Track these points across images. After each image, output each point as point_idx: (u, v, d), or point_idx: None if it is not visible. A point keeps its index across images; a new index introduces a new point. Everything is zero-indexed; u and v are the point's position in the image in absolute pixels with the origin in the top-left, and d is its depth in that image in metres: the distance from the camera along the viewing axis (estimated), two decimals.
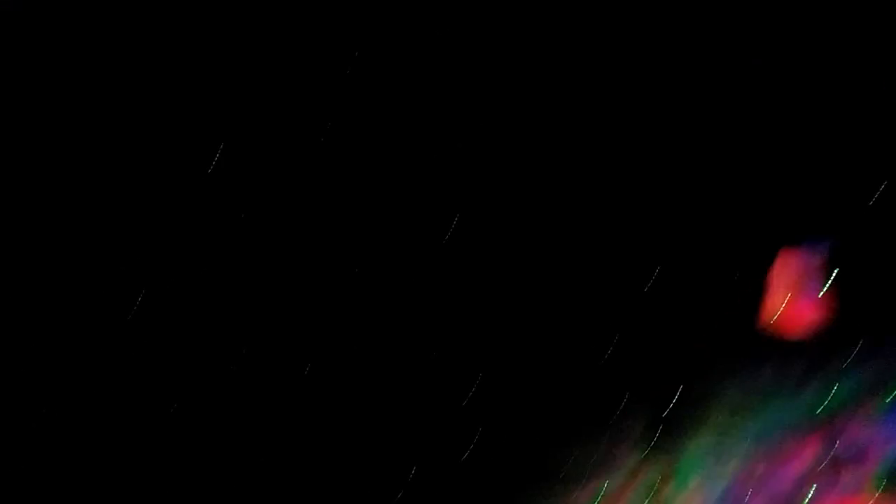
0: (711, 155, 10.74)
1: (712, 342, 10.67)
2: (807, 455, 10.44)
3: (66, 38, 9.91)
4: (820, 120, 10.76)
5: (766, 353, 10.68)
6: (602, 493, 10.26)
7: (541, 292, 10.62)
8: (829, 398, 10.58)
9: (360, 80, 10.43)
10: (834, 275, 10.43)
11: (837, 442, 10.48)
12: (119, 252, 9.64)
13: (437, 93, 10.50)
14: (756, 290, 10.75)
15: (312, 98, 10.38)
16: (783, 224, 10.69)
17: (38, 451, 8.68)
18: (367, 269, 10.21)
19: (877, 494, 10.24)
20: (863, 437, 10.52)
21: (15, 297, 9.27)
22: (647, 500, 10.28)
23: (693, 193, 10.71)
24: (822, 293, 10.50)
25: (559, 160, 10.74)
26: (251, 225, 9.95)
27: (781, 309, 10.55)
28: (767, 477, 10.44)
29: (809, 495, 10.26)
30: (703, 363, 10.66)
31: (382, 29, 10.52)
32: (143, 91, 10.05)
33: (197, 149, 10.00)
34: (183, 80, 10.11)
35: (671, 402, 10.60)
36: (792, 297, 10.55)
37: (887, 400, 10.61)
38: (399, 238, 10.35)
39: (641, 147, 10.83)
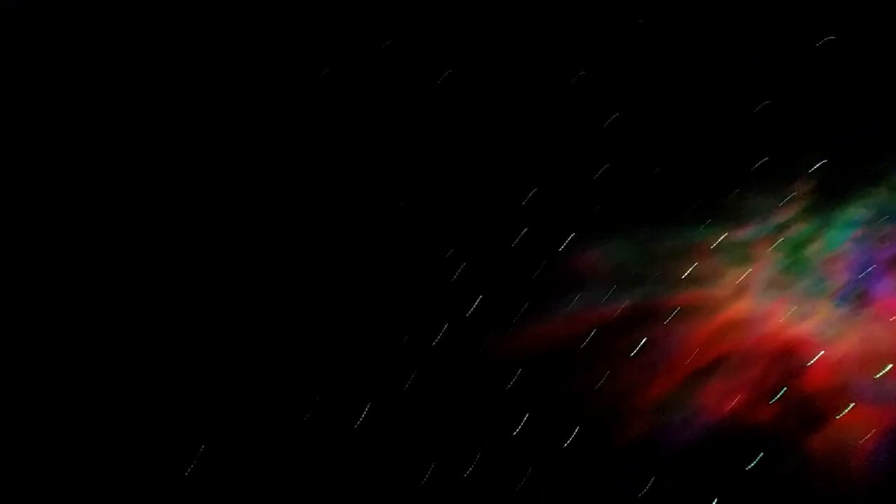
0: None
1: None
2: None
3: (66, 38, 9.89)
4: None
5: None
6: (743, 241, 10.26)
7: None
8: None
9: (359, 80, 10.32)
10: None
11: None
12: (119, 252, 9.57)
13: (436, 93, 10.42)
14: None
15: (310, 98, 10.23)
16: None
17: (38, 451, 8.71)
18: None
19: None
20: None
21: (16, 297, 9.28)
22: (790, 254, 10.21)
23: None
24: None
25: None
26: (251, 226, 9.87)
27: None
28: None
29: None
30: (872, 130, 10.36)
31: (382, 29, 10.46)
32: (144, 91, 10.01)
33: (197, 149, 9.96)
34: (184, 81, 10.03)
35: (822, 165, 10.39)
36: None
37: None
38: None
39: None
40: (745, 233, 10.42)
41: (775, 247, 10.32)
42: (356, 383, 9.43)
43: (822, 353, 9.64)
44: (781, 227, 10.44)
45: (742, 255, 10.37)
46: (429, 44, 10.38)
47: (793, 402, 9.37)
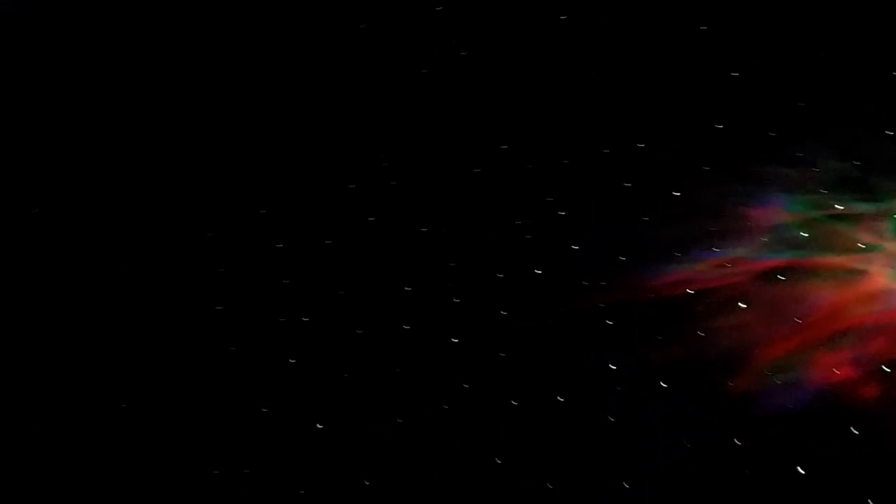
0: None
1: None
2: None
3: (66, 38, 9.83)
4: None
5: None
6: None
7: None
8: None
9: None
10: None
11: None
12: (120, 252, 9.61)
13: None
14: None
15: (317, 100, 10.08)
16: None
17: (38, 451, 8.72)
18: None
19: None
20: None
21: (16, 297, 9.34)
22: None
23: None
24: None
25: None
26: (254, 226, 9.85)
27: None
28: None
29: None
30: None
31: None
32: (144, 91, 9.94)
33: (198, 150, 9.91)
34: (185, 81, 9.94)
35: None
36: None
37: None
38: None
39: None
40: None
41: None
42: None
43: None
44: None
45: None
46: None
47: None
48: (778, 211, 10.29)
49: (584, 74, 10.27)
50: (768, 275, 9.94)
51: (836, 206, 10.23)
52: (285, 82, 9.82)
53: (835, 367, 9.30)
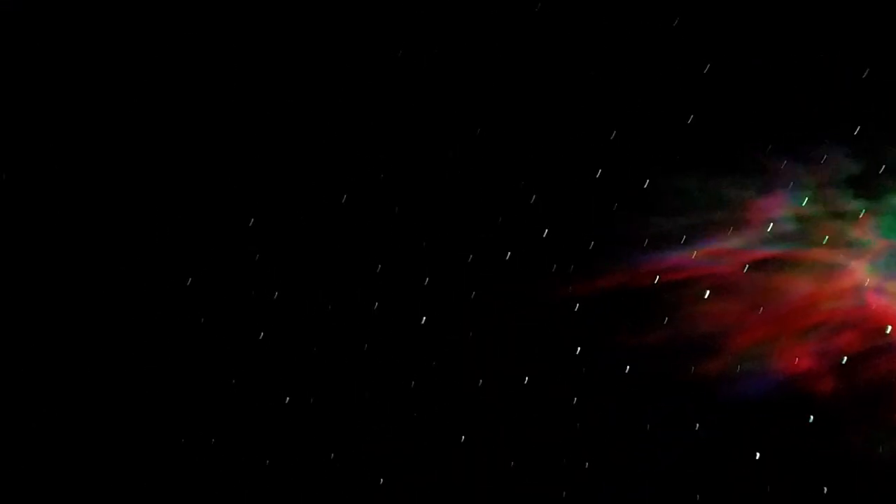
0: None
1: None
2: None
3: (66, 38, 9.85)
4: None
5: None
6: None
7: None
8: None
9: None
10: None
11: None
12: (120, 252, 9.62)
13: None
14: None
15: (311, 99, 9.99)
16: None
17: (38, 451, 8.71)
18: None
19: None
20: None
21: (16, 297, 9.33)
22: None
23: None
24: None
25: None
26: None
27: None
28: None
29: None
30: None
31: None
32: (144, 91, 9.95)
33: (199, 150, 9.92)
34: (185, 81, 9.94)
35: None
36: None
37: None
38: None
39: None
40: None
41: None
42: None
43: None
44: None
45: None
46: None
47: (864, 382, 9.11)
48: (777, 203, 10.33)
49: (591, 64, 10.44)
50: (755, 266, 10.02)
51: (835, 201, 10.22)
52: (260, 64, 10.19)
53: (798, 358, 9.36)
